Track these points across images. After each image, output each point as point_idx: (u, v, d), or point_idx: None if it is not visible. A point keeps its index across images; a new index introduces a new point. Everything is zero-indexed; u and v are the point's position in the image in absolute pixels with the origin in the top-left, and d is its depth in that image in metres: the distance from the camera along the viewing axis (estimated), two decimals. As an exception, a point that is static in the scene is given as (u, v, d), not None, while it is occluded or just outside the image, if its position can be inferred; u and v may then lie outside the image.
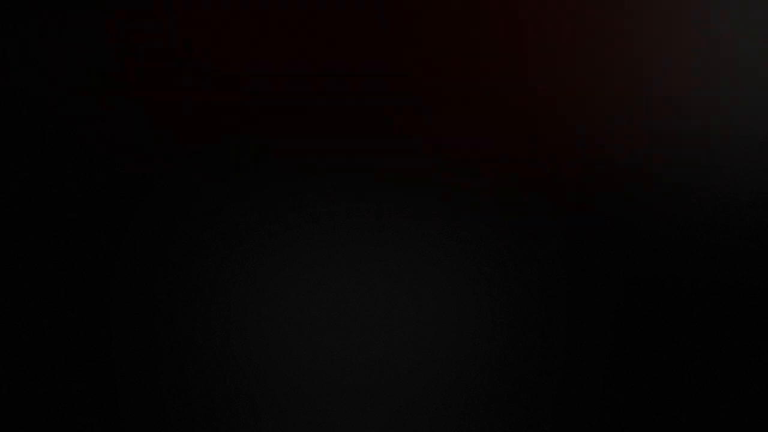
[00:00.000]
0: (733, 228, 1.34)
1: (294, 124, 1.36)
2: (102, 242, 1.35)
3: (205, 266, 1.36)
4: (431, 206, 1.36)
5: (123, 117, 1.35)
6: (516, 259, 1.35)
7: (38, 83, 1.36)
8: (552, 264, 1.35)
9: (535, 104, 1.35)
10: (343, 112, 1.36)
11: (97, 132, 1.36)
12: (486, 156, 1.35)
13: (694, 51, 1.35)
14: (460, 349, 1.35)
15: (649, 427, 1.34)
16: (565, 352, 1.34)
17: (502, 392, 1.35)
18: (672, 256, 1.34)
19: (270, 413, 1.35)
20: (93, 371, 1.35)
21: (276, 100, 1.36)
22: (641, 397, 1.34)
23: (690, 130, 1.34)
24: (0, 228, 1.36)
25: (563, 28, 1.35)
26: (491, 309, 1.35)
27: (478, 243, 1.35)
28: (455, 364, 1.35)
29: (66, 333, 1.35)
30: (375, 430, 1.35)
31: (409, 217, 1.36)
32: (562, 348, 1.34)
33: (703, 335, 1.34)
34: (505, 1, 1.35)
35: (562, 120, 1.35)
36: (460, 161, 1.35)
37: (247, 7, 1.36)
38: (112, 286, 1.35)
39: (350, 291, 1.36)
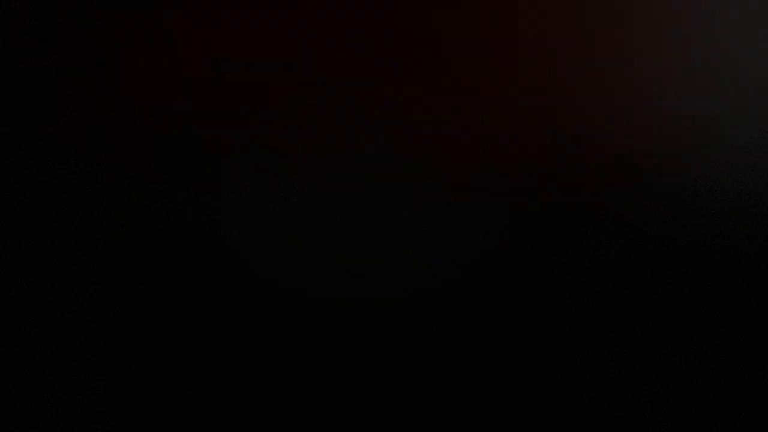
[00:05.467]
0: (733, 228, 1.34)
1: (291, 117, 1.36)
2: (100, 239, 1.35)
3: (198, 267, 1.36)
4: (431, 203, 1.36)
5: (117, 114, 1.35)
6: (514, 258, 1.35)
7: (38, 83, 1.36)
8: (550, 263, 1.35)
9: (534, 103, 1.35)
10: (344, 105, 1.36)
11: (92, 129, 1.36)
12: (486, 153, 1.35)
13: (694, 51, 1.35)
14: (461, 348, 1.35)
15: (651, 427, 1.34)
16: (564, 351, 1.34)
17: (504, 392, 1.35)
18: (672, 255, 1.34)
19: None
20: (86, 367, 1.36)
21: (270, 92, 1.36)
22: (642, 397, 1.34)
23: (690, 130, 1.34)
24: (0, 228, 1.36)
25: (564, 26, 1.35)
26: (491, 309, 1.35)
27: (477, 240, 1.35)
28: (457, 364, 1.35)
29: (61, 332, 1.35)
30: None
31: (409, 212, 1.36)
32: (561, 348, 1.34)
33: (702, 336, 1.34)
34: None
35: (562, 119, 1.35)
36: (461, 159, 1.35)
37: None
38: (111, 284, 1.36)
39: (351, 290, 1.36)
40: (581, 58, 1.35)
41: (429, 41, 1.36)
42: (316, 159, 1.35)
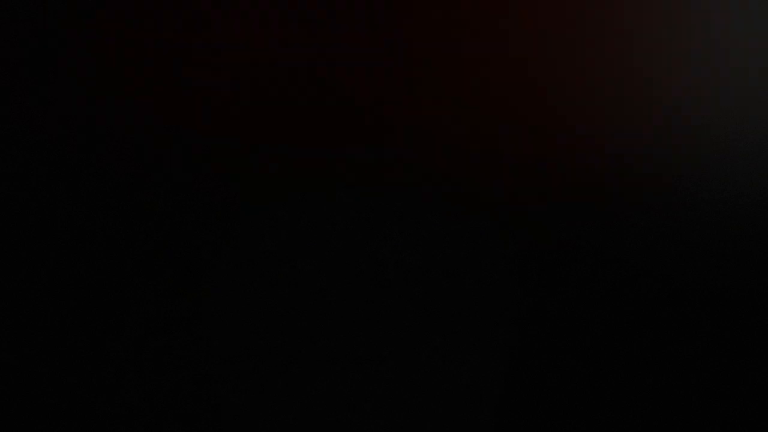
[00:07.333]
0: (733, 228, 1.34)
1: (292, 121, 1.36)
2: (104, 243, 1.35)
3: (200, 268, 1.36)
4: (432, 205, 1.36)
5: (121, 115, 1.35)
6: (515, 258, 1.35)
7: (39, 80, 1.36)
8: (550, 263, 1.35)
9: (535, 103, 1.35)
10: (342, 108, 1.36)
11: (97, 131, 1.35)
12: (488, 155, 1.35)
13: (694, 51, 1.35)
14: (463, 350, 1.36)
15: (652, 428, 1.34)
16: (566, 353, 1.35)
17: (506, 393, 1.35)
18: (672, 256, 1.34)
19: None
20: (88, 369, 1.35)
21: (274, 96, 1.36)
22: (643, 399, 1.34)
23: (691, 130, 1.35)
24: (1, 228, 1.36)
25: (565, 27, 1.35)
26: (493, 310, 1.35)
27: (479, 242, 1.36)
28: (459, 365, 1.36)
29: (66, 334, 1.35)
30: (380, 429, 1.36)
31: (410, 215, 1.36)
32: (562, 349, 1.35)
33: (703, 337, 1.34)
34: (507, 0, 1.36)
35: (563, 119, 1.35)
36: (461, 161, 1.35)
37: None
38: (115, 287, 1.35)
39: (353, 293, 1.36)
40: (582, 57, 1.35)
41: (431, 39, 1.36)
42: (319, 161, 1.35)
